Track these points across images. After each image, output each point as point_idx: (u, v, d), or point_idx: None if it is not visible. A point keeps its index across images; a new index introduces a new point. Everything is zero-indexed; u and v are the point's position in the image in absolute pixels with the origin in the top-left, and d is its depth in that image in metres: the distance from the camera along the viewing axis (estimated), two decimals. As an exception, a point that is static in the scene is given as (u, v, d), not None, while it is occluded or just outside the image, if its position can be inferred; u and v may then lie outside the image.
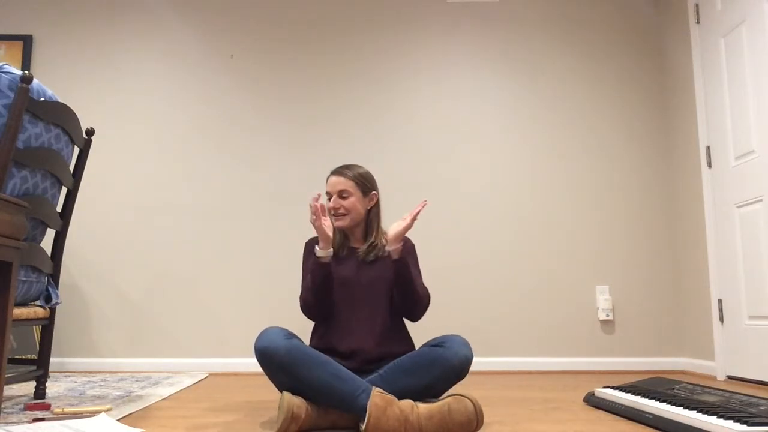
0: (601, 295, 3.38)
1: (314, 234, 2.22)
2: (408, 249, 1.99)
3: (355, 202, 1.97)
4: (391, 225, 1.88)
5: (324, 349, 1.88)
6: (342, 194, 1.97)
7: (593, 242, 3.44)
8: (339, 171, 2.00)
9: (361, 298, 1.93)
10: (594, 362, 3.32)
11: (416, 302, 1.92)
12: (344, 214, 1.97)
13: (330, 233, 1.83)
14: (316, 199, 1.80)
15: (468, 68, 3.58)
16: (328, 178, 2.01)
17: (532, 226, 3.45)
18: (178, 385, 2.63)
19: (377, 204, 2.04)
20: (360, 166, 2.05)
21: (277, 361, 1.65)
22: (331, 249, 1.85)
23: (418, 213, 1.82)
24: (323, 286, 1.86)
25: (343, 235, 2.02)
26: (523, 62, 3.59)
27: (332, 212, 1.97)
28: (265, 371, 1.72)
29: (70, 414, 1.83)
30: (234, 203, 3.44)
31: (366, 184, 2.01)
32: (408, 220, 1.82)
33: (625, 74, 3.58)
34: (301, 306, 1.93)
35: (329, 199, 2.00)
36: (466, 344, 1.77)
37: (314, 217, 1.79)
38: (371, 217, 2.03)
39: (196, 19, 3.60)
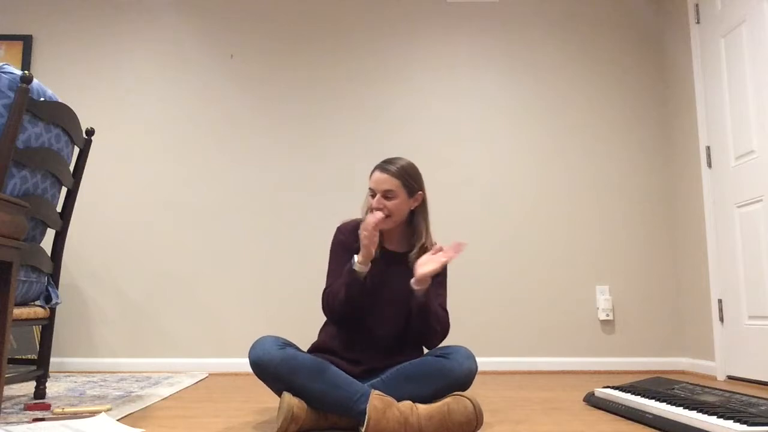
0: (601, 295, 3.38)
1: (335, 221, 2.01)
2: (441, 271, 1.84)
3: (400, 203, 1.82)
4: (420, 259, 1.74)
5: (328, 351, 1.83)
6: (387, 194, 1.81)
7: (593, 242, 3.44)
8: (384, 167, 1.84)
9: (383, 306, 1.84)
10: (594, 362, 3.32)
11: (430, 337, 1.82)
12: (388, 216, 1.81)
13: (373, 251, 1.73)
14: (376, 216, 1.71)
15: (468, 68, 3.58)
16: (373, 171, 1.86)
17: (532, 225, 3.45)
18: (178, 385, 2.63)
19: (424, 203, 1.90)
20: (405, 160, 1.88)
21: (271, 371, 1.64)
22: (370, 264, 1.75)
23: (452, 257, 1.70)
24: (360, 299, 1.77)
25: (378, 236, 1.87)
26: (523, 62, 3.59)
27: (374, 211, 1.82)
28: (261, 380, 1.70)
29: (70, 414, 1.83)
30: (234, 203, 3.44)
31: (413, 183, 1.85)
32: (440, 262, 1.69)
33: (625, 74, 3.58)
34: (324, 307, 1.84)
35: (372, 196, 1.84)
36: (471, 356, 1.74)
37: (366, 233, 1.70)
38: (417, 219, 1.89)
39: (196, 19, 3.60)
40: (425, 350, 1.94)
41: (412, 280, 1.73)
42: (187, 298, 3.35)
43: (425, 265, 1.71)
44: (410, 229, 1.91)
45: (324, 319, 1.95)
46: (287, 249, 3.39)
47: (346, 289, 1.75)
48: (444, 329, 1.83)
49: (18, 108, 1.78)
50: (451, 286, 3.34)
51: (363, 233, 1.71)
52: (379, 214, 1.75)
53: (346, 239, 1.88)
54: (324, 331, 1.92)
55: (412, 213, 1.90)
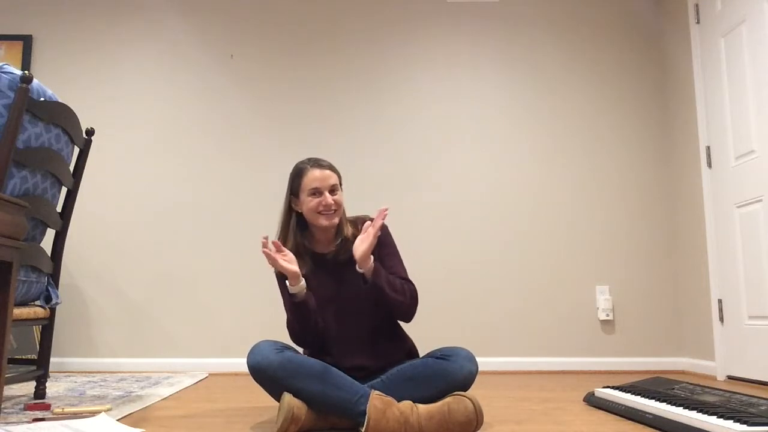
0: (601, 295, 3.38)
1: None
2: (383, 242, 1.84)
3: (341, 197, 1.83)
4: (355, 243, 1.71)
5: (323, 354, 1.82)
6: (333, 189, 1.80)
7: (593, 242, 3.44)
8: (321, 164, 1.83)
9: (345, 310, 1.82)
10: (594, 362, 3.32)
11: (400, 310, 1.78)
12: (336, 211, 1.80)
13: (296, 267, 1.70)
14: (265, 244, 1.67)
15: (468, 68, 3.58)
16: (307, 171, 1.81)
17: (532, 225, 3.45)
18: (178, 385, 2.63)
19: None
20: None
21: (270, 376, 1.63)
22: (303, 282, 1.73)
23: (380, 226, 1.69)
24: (313, 319, 1.76)
25: (295, 250, 1.81)
26: (523, 62, 3.59)
27: (323, 209, 1.78)
28: (260, 385, 1.70)
29: (70, 414, 1.83)
30: (234, 203, 3.44)
31: (341, 177, 1.87)
32: (372, 236, 1.68)
33: (625, 74, 3.58)
34: (295, 342, 1.83)
35: (317, 195, 1.79)
36: (472, 358, 1.73)
37: (271, 260, 1.66)
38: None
39: (196, 19, 3.59)
40: (408, 338, 1.92)
41: (357, 265, 1.71)
42: (187, 298, 3.35)
43: (360, 246, 1.69)
44: (338, 225, 1.86)
45: None
46: (287, 249, 3.38)
47: (294, 315, 1.75)
48: (411, 297, 1.79)
49: (18, 108, 1.78)
50: (451, 285, 3.37)
51: (270, 262, 1.67)
52: (265, 240, 1.68)
53: (284, 278, 1.80)
54: (305, 351, 1.91)
55: None
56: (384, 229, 1.88)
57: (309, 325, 1.77)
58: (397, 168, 3.48)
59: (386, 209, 1.72)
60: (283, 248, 1.73)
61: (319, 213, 1.79)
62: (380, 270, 1.74)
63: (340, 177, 1.86)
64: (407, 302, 1.78)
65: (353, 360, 1.81)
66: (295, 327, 1.78)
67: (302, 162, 1.88)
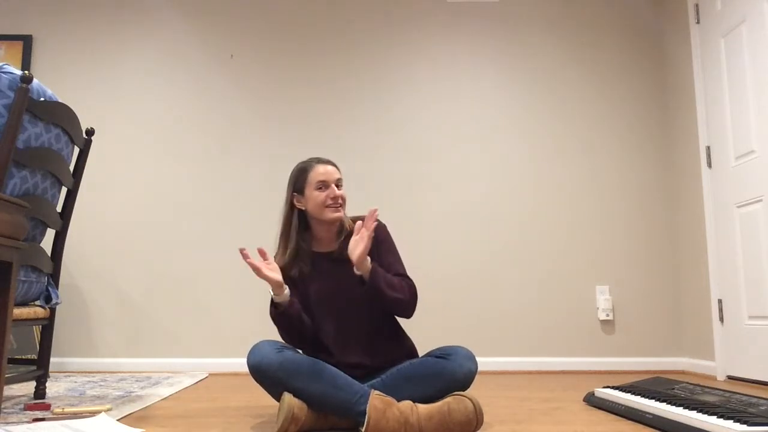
0: (601, 295, 3.38)
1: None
2: (381, 239, 1.85)
3: (345, 193, 1.86)
4: (350, 246, 1.70)
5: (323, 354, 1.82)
6: (338, 183, 1.84)
7: (593, 242, 3.44)
8: (326, 160, 1.87)
9: (344, 309, 1.82)
10: (594, 362, 3.32)
11: (400, 307, 1.78)
12: (342, 204, 1.84)
13: (279, 276, 1.70)
14: (247, 255, 1.67)
15: (468, 68, 3.58)
16: (312, 167, 1.84)
17: (532, 225, 3.45)
18: (178, 385, 2.63)
19: None
20: None
21: (270, 375, 1.63)
22: (287, 291, 1.73)
23: (372, 227, 1.67)
24: (292, 325, 1.76)
25: (295, 251, 1.84)
26: (523, 62, 3.59)
27: (332, 202, 1.80)
28: (260, 385, 1.70)
29: (70, 414, 1.83)
30: (234, 202, 3.44)
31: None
32: (366, 238, 1.67)
33: (625, 74, 3.58)
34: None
35: (324, 188, 1.81)
36: (471, 357, 1.73)
37: (255, 269, 1.67)
38: None
39: (196, 19, 3.59)
40: (407, 338, 1.92)
41: (354, 268, 1.71)
42: (187, 298, 3.35)
43: (355, 248, 1.68)
44: (337, 225, 1.87)
45: None
46: (287, 249, 3.38)
47: (277, 324, 1.77)
48: (410, 293, 1.78)
49: (18, 108, 1.78)
50: (451, 285, 3.37)
51: (251, 267, 1.68)
52: (245, 251, 1.69)
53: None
54: (308, 353, 1.89)
55: None
56: (382, 227, 1.89)
57: (293, 330, 1.78)
58: (397, 168, 3.47)
59: (376, 209, 1.70)
60: (268, 257, 1.73)
61: (327, 206, 1.80)
62: (378, 270, 1.73)
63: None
64: (406, 299, 1.77)
65: (352, 358, 1.81)
66: (281, 332, 1.81)
67: (304, 161, 1.90)
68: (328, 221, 1.83)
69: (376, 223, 1.71)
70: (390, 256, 1.86)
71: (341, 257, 1.80)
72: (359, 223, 1.72)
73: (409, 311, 1.81)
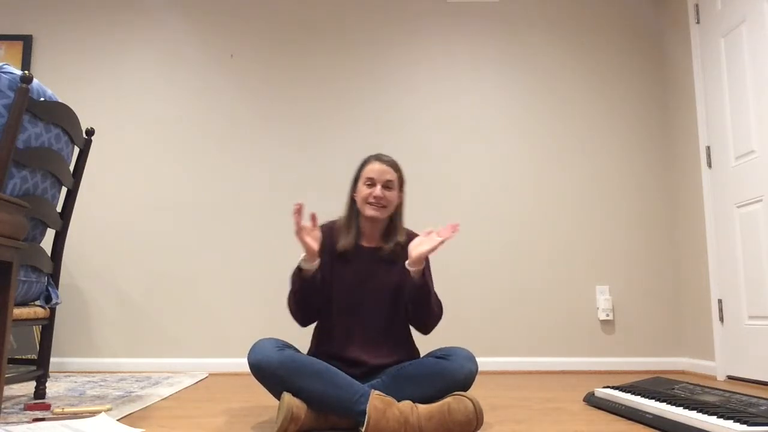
0: (601, 295, 3.38)
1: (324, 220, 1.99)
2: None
3: (394, 196, 1.88)
4: (414, 241, 1.76)
5: (324, 356, 1.82)
6: (388, 184, 1.86)
7: (593, 242, 3.44)
8: (383, 159, 1.89)
9: (365, 304, 1.85)
10: (594, 362, 3.32)
11: (430, 320, 1.84)
12: (384, 206, 1.85)
13: (317, 246, 1.72)
14: (299, 210, 1.67)
15: (468, 68, 3.58)
16: (369, 162, 1.89)
17: (532, 226, 3.45)
18: (178, 385, 2.63)
19: (403, 201, 1.96)
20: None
21: (270, 373, 1.64)
22: (317, 262, 1.76)
23: (448, 237, 1.70)
24: (305, 295, 1.79)
25: (356, 233, 1.89)
26: (523, 62, 3.59)
27: (373, 201, 1.84)
28: (260, 383, 1.70)
29: (70, 414, 1.83)
30: (234, 202, 3.44)
31: (403, 178, 1.94)
32: (436, 242, 1.69)
33: (625, 74, 3.58)
34: (288, 306, 1.87)
35: (370, 185, 1.86)
36: (471, 358, 1.74)
37: (298, 228, 1.69)
38: (397, 215, 1.93)
39: (196, 19, 3.60)
40: (414, 345, 1.94)
41: (408, 262, 1.74)
42: (187, 298, 3.35)
43: (420, 246, 1.73)
44: (390, 225, 1.93)
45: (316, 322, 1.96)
46: (287, 249, 3.38)
47: (292, 283, 1.80)
48: (440, 312, 1.88)
49: (18, 108, 1.78)
50: (451, 285, 3.37)
51: (296, 223, 1.69)
52: (299, 206, 1.69)
53: (330, 232, 1.90)
54: (314, 338, 1.94)
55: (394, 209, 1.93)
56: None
57: (304, 297, 1.80)
58: (397, 168, 3.47)
59: (457, 224, 1.74)
60: (317, 225, 1.76)
61: (368, 203, 1.85)
62: (428, 276, 1.79)
63: (401, 178, 1.93)
64: (438, 314, 1.86)
65: (352, 352, 1.82)
66: (291, 295, 1.82)
67: (370, 155, 1.95)
68: (366, 217, 1.88)
69: (451, 237, 1.74)
70: (429, 276, 1.89)
71: (380, 257, 1.87)
72: (430, 229, 1.77)
73: (432, 326, 1.87)
